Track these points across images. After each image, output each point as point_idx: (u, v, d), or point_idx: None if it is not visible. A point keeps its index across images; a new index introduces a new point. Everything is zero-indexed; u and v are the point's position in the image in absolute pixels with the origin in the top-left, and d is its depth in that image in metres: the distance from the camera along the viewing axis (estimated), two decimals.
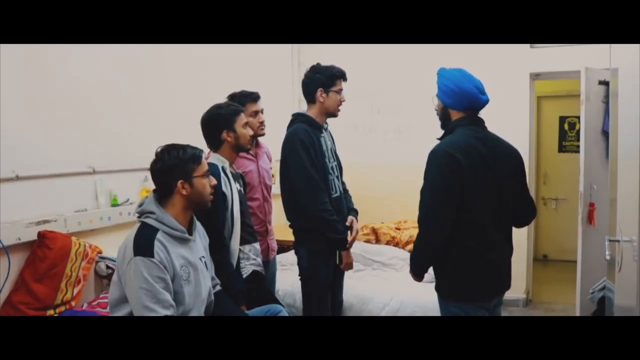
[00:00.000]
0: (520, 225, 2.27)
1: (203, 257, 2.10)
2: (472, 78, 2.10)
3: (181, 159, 2.00)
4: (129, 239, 1.92)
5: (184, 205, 2.02)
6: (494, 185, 2.04)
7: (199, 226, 2.15)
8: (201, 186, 2.03)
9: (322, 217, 2.51)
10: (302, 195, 2.52)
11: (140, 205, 2.03)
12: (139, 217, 2.01)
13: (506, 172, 2.09)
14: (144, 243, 1.88)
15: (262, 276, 2.59)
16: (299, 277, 2.73)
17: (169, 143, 2.05)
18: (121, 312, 1.92)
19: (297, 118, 2.67)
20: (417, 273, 2.18)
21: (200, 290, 2.03)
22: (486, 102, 2.10)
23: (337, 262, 2.60)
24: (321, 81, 2.63)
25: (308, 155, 2.52)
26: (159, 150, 2.03)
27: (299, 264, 2.70)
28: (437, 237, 2.00)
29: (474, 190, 1.98)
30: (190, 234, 2.05)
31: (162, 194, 2.01)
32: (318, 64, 2.70)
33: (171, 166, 1.98)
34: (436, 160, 2.00)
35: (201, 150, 2.09)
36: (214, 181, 2.11)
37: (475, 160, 1.99)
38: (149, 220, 1.96)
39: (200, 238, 2.14)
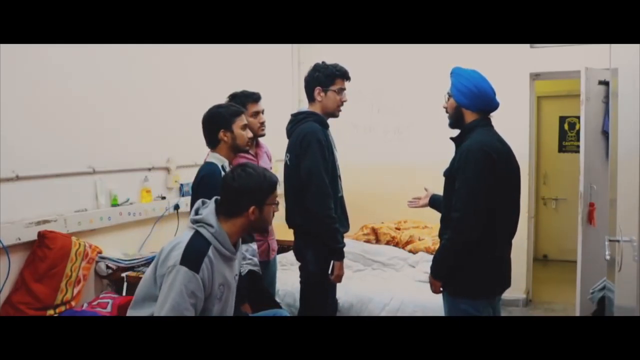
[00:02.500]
0: None
1: (236, 275, 2.05)
2: (487, 80, 2.11)
3: (261, 186, 1.93)
4: (179, 244, 1.84)
5: (244, 228, 1.96)
6: (511, 184, 2.08)
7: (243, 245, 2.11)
8: (268, 214, 1.99)
9: (327, 224, 2.44)
10: (312, 199, 2.44)
11: (197, 211, 1.94)
12: (193, 223, 1.91)
13: (516, 171, 2.13)
14: (194, 255, 1.81)
15: (258, 275, 2.58)
16: (301, 281, 2.64)
17: (247, 163, 1.98)
18: (143, 312, 1.86)
19: (309, 116, 2.55)
20: (441, 276, 2.12)
21: (226, 309, 2.00)
22: (498, 105, 2.12)
23: (330, 272, 2.52)
24: (319, 80, 2.56)
25: (323, 158, 2.46)
26: (239, 170, 1.96)
27: (305, 268, 2.60)
28: (473, 237, 1.98)
29: (500, 191, 2.00)
30: (235, 251, 1.99)
31: (228, 211, 1.93)
32: (322, 62, 2.62)
33: (250, 190, 1.91)
34: (475, 159, 1.98)
35: (277, 177, 2.04)
36: (276, 209, 2.05)
37: (503, 161, 2.01)
38: (205, 232, 1.87)
39: (239, 253, 2.07)
